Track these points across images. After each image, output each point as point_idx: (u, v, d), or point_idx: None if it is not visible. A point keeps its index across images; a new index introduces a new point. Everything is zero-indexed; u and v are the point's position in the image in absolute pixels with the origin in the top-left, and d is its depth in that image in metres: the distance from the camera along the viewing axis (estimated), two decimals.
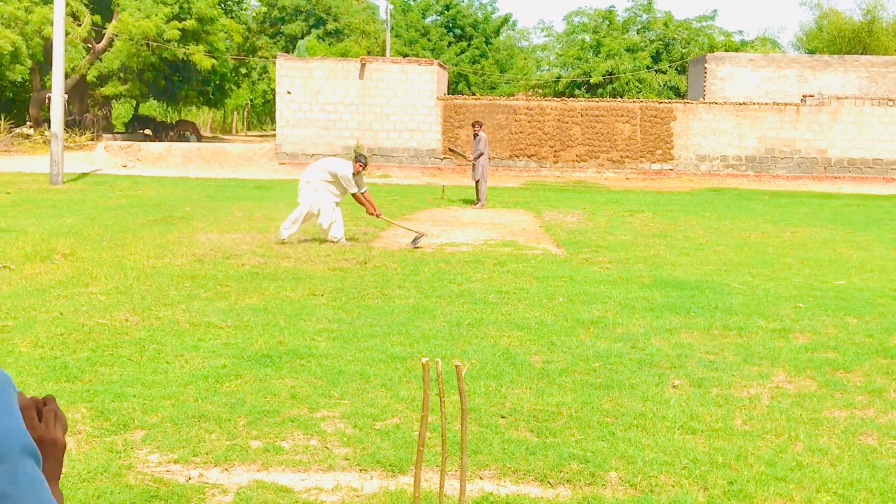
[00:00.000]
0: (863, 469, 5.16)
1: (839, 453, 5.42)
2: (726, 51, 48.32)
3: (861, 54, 47.88)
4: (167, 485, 4.78)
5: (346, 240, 13.78)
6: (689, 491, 4.81)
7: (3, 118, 39.46)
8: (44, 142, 35.11)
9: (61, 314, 8.53)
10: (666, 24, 51.62)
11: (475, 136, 22.40)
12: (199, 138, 44.93)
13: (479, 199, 21.25)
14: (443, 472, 3.91)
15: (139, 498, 4.60)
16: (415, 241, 13.91)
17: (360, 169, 13.89)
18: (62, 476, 4.56)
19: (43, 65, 37.28)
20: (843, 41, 54.67)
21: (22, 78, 38.18)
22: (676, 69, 50.13)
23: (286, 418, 5.83)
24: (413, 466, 4.41)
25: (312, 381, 6.62)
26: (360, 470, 5.06)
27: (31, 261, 11.46)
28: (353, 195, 13.95)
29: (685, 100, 38.35)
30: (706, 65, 42.02)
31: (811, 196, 25.97)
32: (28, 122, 39.97)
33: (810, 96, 32.58)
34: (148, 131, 44.45)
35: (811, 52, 55.79)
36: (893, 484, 4.95)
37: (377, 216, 14.29)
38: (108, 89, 41.58)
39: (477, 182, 21.57)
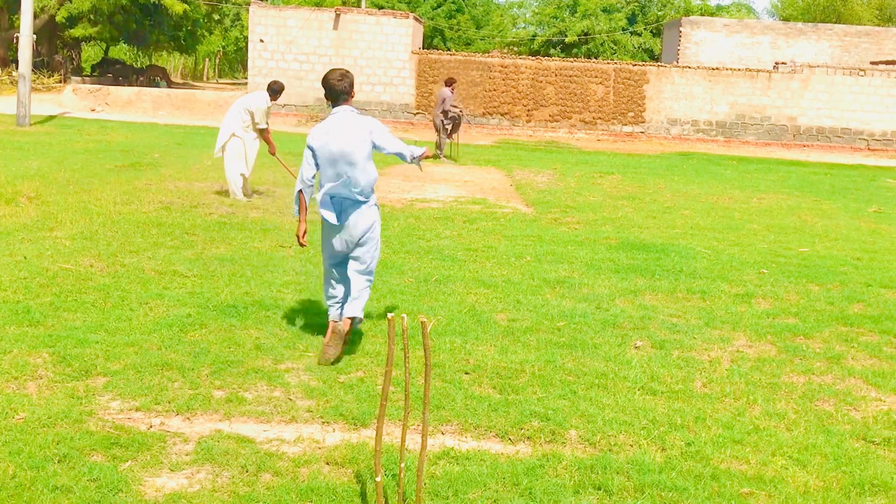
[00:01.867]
0: (818, 434, 5.24)
1: (796, 418, 5.49)
2: (702, 15, 48.30)
3: (835, 23, 47.97)
4: (128, 432, 4.75)
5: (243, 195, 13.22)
6: (647, 451, 4.86)
7: None
8: (11, 83, 34.50)
9: (25, 258, 8.43)
10: None
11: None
12: (170, 84, 44.33)
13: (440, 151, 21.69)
14: (405, 427, 3.92)
15: (100, 444, 4.57)
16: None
17: (275, 99, 13.08)
18: (24, 419, 4.54)
19: (11, 4, 36.49)
20: (817, 9, 54.73)
21: None
22: (651, 32, 50.04)
23: (250, 369, 5.82)
24: (375, 420, 4.41)
25: (277, 333, 6.61)
26: (323, 422, 5.06)
27: None
28: (260, 131, 13.11)
29: (659, 63, 38.29)
30: (681, 28, 41.96)
31: (779, 163, 26.11)
32: None
33: (783, 63, 32.65)
34: (120, 75, 43.76)
35: (785, 19, 55.86)
36: (848, 450, 5.02)
37: (273, 152, 13.32)
38: (77, 31, 40.80)
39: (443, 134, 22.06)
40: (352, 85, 6.27)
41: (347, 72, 6.27)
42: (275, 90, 13.01)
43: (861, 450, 5.05)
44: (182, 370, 5.70)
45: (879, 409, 5.73)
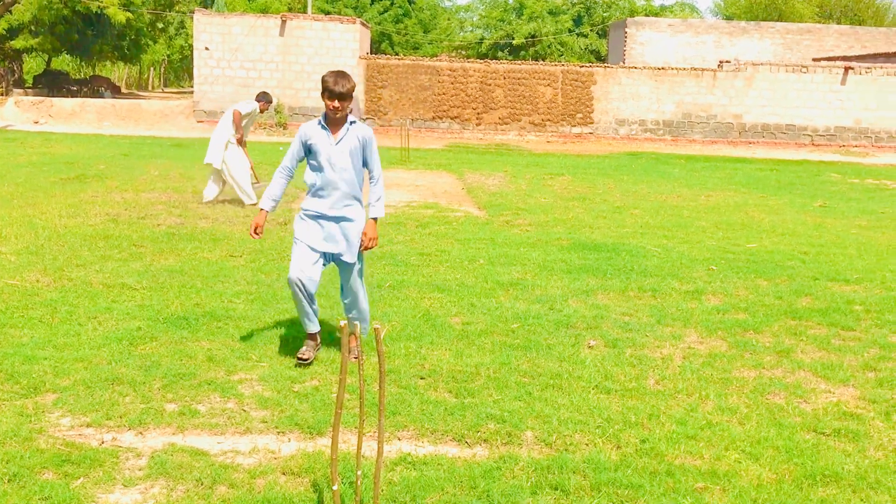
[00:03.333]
0: (770, 427, 5.31)
1: (748, 412, 5.56)
2: (646, 16, 48.82)
3: (777, 21, 48.76)
4: (79, 449, 4.69)
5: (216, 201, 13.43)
6: (602, 449, 4.89)
7: None
8: None
9: None
10: None
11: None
12: (116, 94, 43.81)
13: None
14: (360, 434, 3.91)
15: (50, 462, 4.51)
16: (254, 185, 13.58)
17: (264, 109, 13.58)
18: None
19: None
20: (759, 8, 55.61)
21: None
22: (597, 33, 50.44)
23: (203, 381, 5.77)
24: (331, 428, 4.40)
25: (230, 344, 6.56)
26: (278, 432, 5.03)
27: None
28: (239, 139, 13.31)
29: (605, 64, 38.62)
30: (626, 29, 42.40)
31: (726, 161, 26.45)
32: None
33: (727, 62, 33.09)
34: (63, 87, 43.18)
35: (728, 18, 56.64)
36: (799, 442, 5.10)
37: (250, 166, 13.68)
38: (18, 42, 40.18)
39: None
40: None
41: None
42: (266, 99, 13.47)
43: (812, 441, 5.13)
44: (133, 384, 5.63)
45: (829, 401, 5.83)
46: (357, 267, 6.34)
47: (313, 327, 6.31)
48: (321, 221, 6.18)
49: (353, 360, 5.81)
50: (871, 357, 6.82)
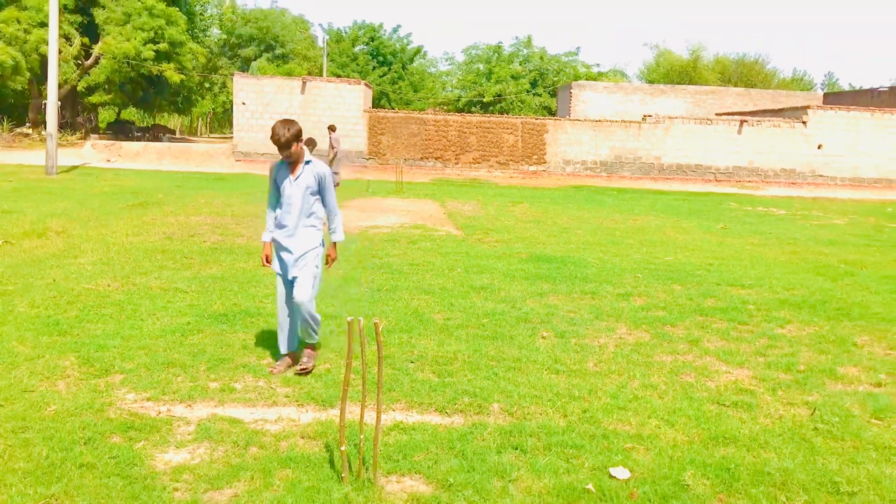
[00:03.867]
0: (683, 400, 5.32)
1: (665, 388, 5.57)
2: (587, 80, 49.10)
3: (688, 84, 49.14)
4: (141, 418, 4.65)
5: None
6: (552, 418, 4.89)
7: (6, 120, 37.69)
8: (41, 140, 33.63)
9: (54, 280, 8.21)
10: (541, 58, 52.17)
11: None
12: (173, 138, 43.61)
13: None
14: (363, 406, 3.90)
15: (118, 428, 4.46)
16: None
17: (311, 150, 13.50)
18: (55, 411, 4.40)
19: (40, 77, 35.63)
20: (674, 74, 56.06)
21: (22, 87, 36.47)
22: (549, 93, 50.70)
23: (239, 364, 5.73)
24: (340, 402, 4.38)
25: (260, 335, 6.52)
26: (298, 405, 5.01)
27: (29, 237, 10.99)
28: None
29: (555, 117, 38.81)
30: (571, 90, 42.65)
31: (649, 192, 26.58)
32: (27, 124, 38.22)
33: (649, 116, 33.30)
34: (130, 133, 42.96)
35: (650, 81, 57.06)
36: (705, 411, 5.12)
37: None
38: (94, 98, 39.98)
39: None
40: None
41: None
42: (312, 145, 13.27)
43: (716, 411, 5.15)
44: (184, 367, 5.59)
45: (728, 380, 5.85)
46: (313, 281, 5.61)
47: (291, 346, 5.77)
48: (284, 253, 5.60)
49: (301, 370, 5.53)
50: (762, 345, 6.85)
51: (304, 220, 5.56)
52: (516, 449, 4.40)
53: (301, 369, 5.55)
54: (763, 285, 9.60)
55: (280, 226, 5.60)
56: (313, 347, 5.84)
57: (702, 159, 32.62)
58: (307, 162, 5.54)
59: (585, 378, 5.72)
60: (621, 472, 4.14)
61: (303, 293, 5.50)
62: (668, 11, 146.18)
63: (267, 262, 5.74)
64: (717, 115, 38.90)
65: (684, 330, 7.30)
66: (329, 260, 5.73)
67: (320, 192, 5.58)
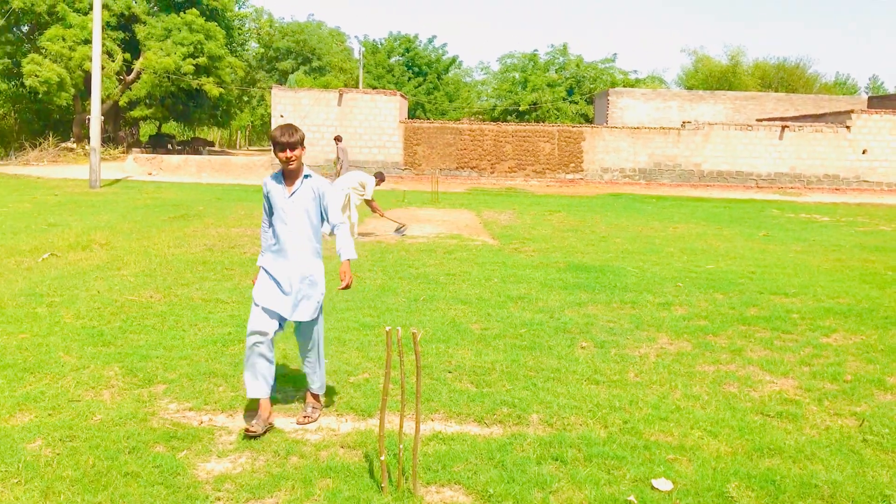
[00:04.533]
0: (726, 411, 5.25)
1: (708, 399, 5.51)
2: (624, 87, 48.80)
3: (727, 90, 48.61)
4: (183, 427, 4.72)
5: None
6: (593, 428, 4.86)
7: (51, 135, 38.57)
8: (84, 154, 34.38)
9: (99, 292, 8.38)
10: (578, 65, 51.97)
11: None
12: (212, 150, 44.26)
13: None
14: (402, 416, 3.91)
15: (161, 438, 4.53)
16: (398, 229, 14.18)
17: (380, 183, 14.08)
18: (100, 420, 4.48)
19: (83, 92, 36.45)
20: (713, 79, 55.45)
21: (66, 103, 37.30)
22: (586, 100, 50.49)
23: (279, 374, 5.77)
24: (379, 411, 4.40)
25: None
26: (338, 414, 5.04)
27: (74, 249, 11.23)
28: (367, 201, 13.89)
29: (592, 125, 38.64)
30: (608, 97, 42.43)
31: (689, 200, 26.30)
32: (72, 139, 39.08)
33: (688, 122, 32.98)
34: (168, 146, 43.73)
35: (689, 88, 56.52)
36: (749, 422, 5.04)
37: (381, 215, 14.37)
38: (136, 112, 40.78)
39: None
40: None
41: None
42: (381, 179, 14.09)
43: (759, 422, 5.07)
44: (225, 377, 5.66)
45: (773, 390, 5.76)
46: (316, 327, 4.98)
47: (261, 390, 4.77)
48: (278, 280, 4.81)
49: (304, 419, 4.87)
50: (807, 355, 6.74)
51: (301, 243, 4.84)
52: (556, 460, 4.38)
53: (304, 418, 4.90)
54: (807, 293, 9.44)
55: (273, 249, 4.91)
56: (318, 398, 5.07)
57: (742, 166, 32.20)
58: (306, 176, 4.87)
59: (626, 388, 5.67)
60: (664, 484, 4.09)
61: (308, 313, 4.85)
62: (707, 17, 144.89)
63: None
64: (757, 120, 38.38)
65: (727, 339, 7.20)
66: (343, 279, 4.91)
67: (321, 209, 4.92)
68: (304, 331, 4.97)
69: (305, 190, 4.86)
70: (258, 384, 4.74)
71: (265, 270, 4.89)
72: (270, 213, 4.93)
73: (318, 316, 4.97)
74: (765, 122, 34.95)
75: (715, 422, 5.02)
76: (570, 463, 4.34)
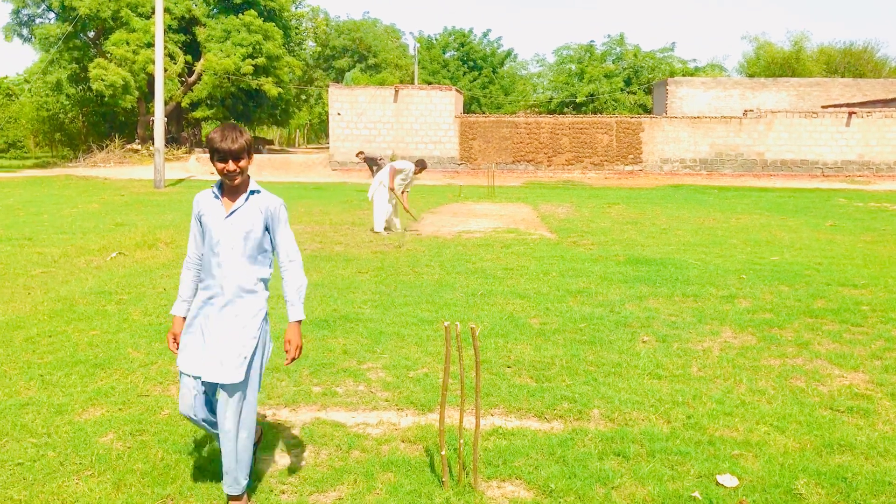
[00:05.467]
0: (793, 405, 5.13)
1: (774, 393, 5.38)
2: (683, 76, 47.93)
3: (790, 76, 47.31)
4: None
5: (384, 230, 13.70)
6: (655, 424, 4.79)
7: (117, 137, 39.72)
8: (149, 155, 35.32)
9: (165, 290, 8.59)
10: (635, 55, 51.22)
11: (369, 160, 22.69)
12: (272, 148, 44.96)
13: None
14: (462, 411, 3.92)
15: None
16: (406, 228, 14.13)
17: (420, 171, 14.33)
18: (168, 415, 4.57)
19: (147, 94, 37.43)
20: (776, 66, 54.05)
21: (131, 105, 38.39)
22: (644, 90, 49.74)
23: (340, 369, 5.85)
24: (439, 406, 4.41)
25: (360, 340, 6.64)
26: (398, 409, 5.07)
27: (140, 248, 11.54)
28: (401, 187, 14.09)
29: (651, 115, 38.07)
30: (667, 87, 41.72)
31: (751, 190, 25.73)
32: (136, 140, 40.19)
33: (750, 111, 32.24)
34: None
35: (750, 75, 55.20)
36: (818, 417, 4.91)
37: (404, 207, 14.47)
38: (198, 113, 41.73)
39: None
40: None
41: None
42: (422, 166, 14.37)
43: (829, 417, 4.93)
44: (288, 372, 5.75)
45: (842, 384, 5.60)
46: (243, 394, 3.64)
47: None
48: (203, 329, 3.65)
49: None
50: (878, 348, 6.53)
51: (240, 281, 3.65)
52: (618, 455, 4.33)
53: None
54: (877, 285, 9.14)
55: (201, 287, 3.73)
56: (238, 498, 3.73)
57: (807, 154, 31.36)
58: (252, 192, 3.72)
59: (689, 383, 5.58)
60: (729, 480, 4.01)
61: (231, 372, 3.58)
62: (768, 1, 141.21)
63: (174, 342, 3.78)
64: (822, 107, 37.31)
65: (793, 332, 7.02)
66: (289, 349, 3.75)
67: (270, 235, 3.77)
68: (225, 397, 3.62)
69: (250, 210, 3.68)
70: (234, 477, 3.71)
71: (193, 318, 3.70)
72: (201, 240, 3.75)
73: (250, 380, 3.66)
74: (830, 109, 33.94)
75: (782, 417, 4.90)
76: (632, 458, 4.29)
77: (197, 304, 3.72)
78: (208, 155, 3.70)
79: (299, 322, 3.80)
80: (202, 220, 3.73)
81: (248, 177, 3.74)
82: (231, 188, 3.71)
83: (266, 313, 3.76)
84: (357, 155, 23.25)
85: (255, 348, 3.68)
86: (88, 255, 10.99)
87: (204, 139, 48.04)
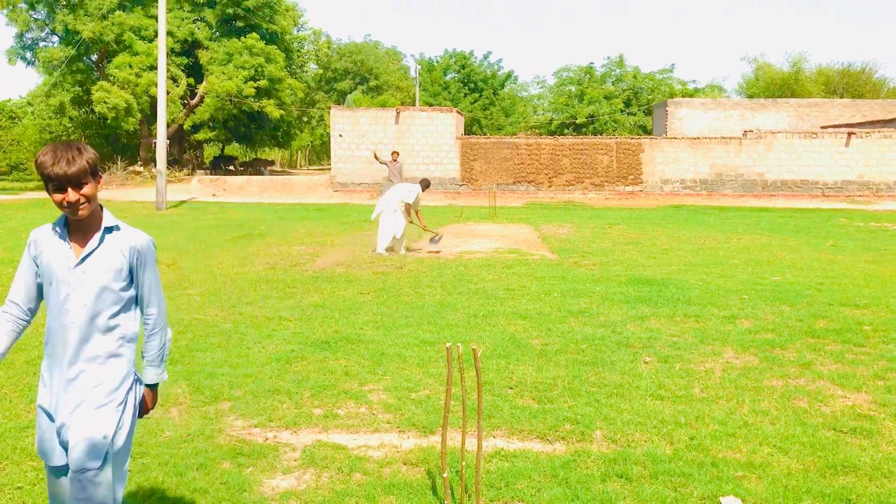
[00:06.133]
0: (796, 426, 5.10)
1: (777, 414, 5.36)
2: (683, 97, 48.14)
3: (790, 97, 47.52)
4: (249, 444, 4.79)
5: (386, 251, 13.69)
6: (658, 445, 4.77)
7: (119, 159, 39.87)
8: (151, 177, 35.42)
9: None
10: (634, 76, 51.49)
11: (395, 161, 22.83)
12: (274, 169, 45.12)
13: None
14: (464, 433, 3.90)
15: (228, 454, 4.61)
16: (433, 239, 14.50)
17: (425, 189, 14.54)
18: (168, 437, 4.56)
19: (149, 117, 37.60)
20: (775, 87, 54.30)
21: (133, 128, 38.55)
22: (644, 112, 49.94)
23: (341, 391, 5.84)
24: (440, 428, 4.40)
25: (361, 362, 6.62)
26: (399, 431, 5.05)
27: None
28: (412, 210, 14.22)
29: (651, 136, 38.17)
30: (667, 108, 41.89)
31: (752, 210, 25.75)
32: (139, 162, 40.35)
33: (750, 131, 32.34)
34: (231, 167, 44.75)
35: (750, 96, 55.43)
36: (821, 438, 4.89)
37: (423, 227, 14.72)
38: (200, 135, 41.93)
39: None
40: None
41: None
42: (426, 185, 14.50)
43: (832, 438, 4.91)
44: (289, 394, 5.73)
45: (845, 405, 5.57)
46: (101, 481, 2.85)
47: None
48: (52, 403, 2.92)
49: None
50: (880, 368, 6.51)
51: (95, 348, 2.92)
52: (621, 477, 4.31)
53: None
54: (879, 304, 9.13)
55: (49, 353, 2.95)
56: None
57: (807, 174, 31.41)
58: (109, 229, 3.00)
59: (692, 404, 5.55)
60: (733, 502, 3.99)
61: (85, 455, 2.83)
62: (766, 23, 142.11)
63: None
64: (822, 127, 37.42)
65: (795, 353, 7.01)
66: (145, 410, 3.15)
67: (133, 281, 3.03)
68: (79, 485, 2.84)
69: (108, 253, 2.95)
70: None
71: (40, 393, 2.98)
72: (38, 292, 2.98)
73: (109, 464, 2.88)
74: (830, 129, 34.04)
75: (785, 438, 4.88)
76: (635, 480, 4.27)
77: (44, 368, 2.96)
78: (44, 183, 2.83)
79: (155, 386, 3.16)
80: (39, 262, 2.93)
81: (100, 207, 2.98)
82: (77, 225, 2.91)
83: (135, 379, 3.07)
84: (392, 154, 23.40)
85: (119, 425, 2.93)
86: None
87: (206, 161, 48.24)
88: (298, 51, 50.04)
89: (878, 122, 35.01)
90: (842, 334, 7.64)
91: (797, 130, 33.10)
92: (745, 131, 32.60)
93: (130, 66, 36.29)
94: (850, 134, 31.37)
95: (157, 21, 28.04)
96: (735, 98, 54.03)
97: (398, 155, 24.00)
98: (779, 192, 31.40)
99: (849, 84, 56.48)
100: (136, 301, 3.07)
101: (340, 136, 32.63)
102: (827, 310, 8.84)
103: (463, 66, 56.17)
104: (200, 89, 39.98)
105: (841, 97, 51.03)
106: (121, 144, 43.32)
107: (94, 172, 2.87)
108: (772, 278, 11.13)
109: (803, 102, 42.77)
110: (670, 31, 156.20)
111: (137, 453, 4.59)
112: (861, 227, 19.74)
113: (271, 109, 39.75)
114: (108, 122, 36.99)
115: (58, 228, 2.92)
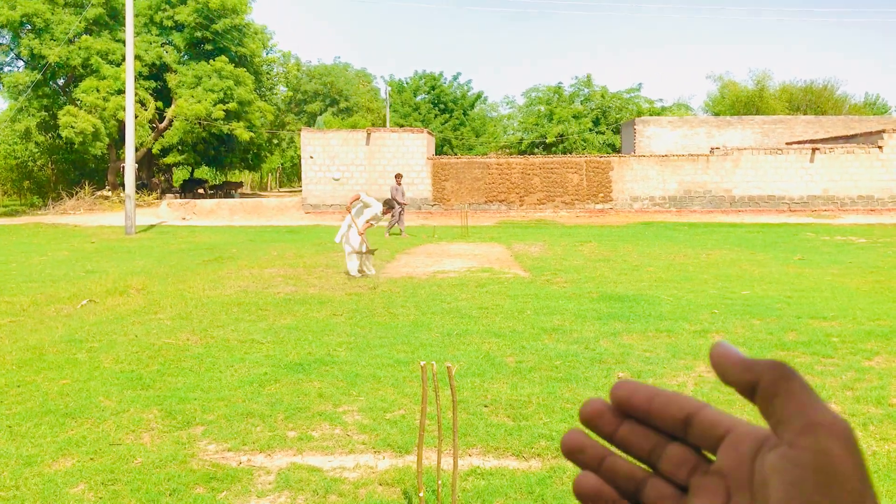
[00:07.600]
0: None
1: None
2: (650, 115, 48.75)
3: (755, 114, 48.34)
4: (222, 468, 4.74)
5: (358, 272, 13.57)
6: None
7: (87, 184, 39.43)
8: (119, 201, 35.07)
9: (136, 336, 8.49)
10: (603, 96, 52.05)
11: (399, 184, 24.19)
12: (244, 192, 44.86)
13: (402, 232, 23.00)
14: (440, 452, 3.89)
15: (201, 479, 4.56)
16: (368, 250, 13.90)
17: (386, 213, 14.08)
18: (141, 463, 4.49)
19: (118, 141, 37.29)
20: (740, 105, 55.23)
21: (101, 152, 38.15)
22: (612, 130, 50.48)
23: (315, 413, 5.80)
24: (416, 447, 4.39)
25: (335, 383, 6.60)
26: (375, 452, 5.03)
27: (111, 295, 11.41)
28: (366, 222, 13.79)
29: (620, 154, 38.56)
30: (635, 126, 42.42)
31: (720, 226, 26.07)
32: (107, 187, 39.89)
33: (717, 148, 32.81)
34: (201, 190, 44.43)
35: (716, 114, 56.31)
36: None
37: (360, 233, 13.88)
38: (169, 159, 41.58)
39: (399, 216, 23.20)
40: None
41: None
42: (389, 206, 14.26)
43: None
44: (262, 417, 5.69)
45: None
46: None
47: None
48: None
49: None
50: (849, 379, 6.61)
51: None
52: None
53: None
54: (846, 317, 9.28)
55: None
56: None
57: (774, 190, 31.91)
58: None
59: None
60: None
61: None
62: (731, 41, 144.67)
63: None
64: (787, 144, 38.09)
65: None
66: None
67: None
68: None
69: None
70: None
71: None
72: None
73: None
74: (794, 146, 34.67)
75: None
76: None
77: None
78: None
79: None
80: None
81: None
82: None
83: None
84: (396, 177, 24.58)
85: None
86: (58, 303, 10.84)
87: (175, 184, 47.87)
88: (268, 73, 49.97)
89: (840, 137, 35.73)
90: (811, 346, 7.75)
91: (763, 147, 33.66)
92: (713, 148, 33.08)
93: (98, 91, 36.00)
94: (814, 150, 31.96)
95: (124, 45, 27.90)
96: (702, 116, 54.85)
97: (402, 177, 24.98)
98: (746, 208, 31.85)
99: (812, 101, 57.62)
100: None
101: (311, 157, 32.59)
102: (796, 322, 8.97)
103: (433, 88, 56.47)
104: (169, 113, 39.76)
105: (804, 114, 52.03)
106: (88, 169, 42.85)
107: None
108: (741, 292, 11.27)
109: (768, 119, 43.54)
110: (637, 51, 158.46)
111: (108, 480, 4.52)
112: (827, 241, 20.07)
113: (241, 132, 39.60)
114: (76, 146, 36.61)
115: None
